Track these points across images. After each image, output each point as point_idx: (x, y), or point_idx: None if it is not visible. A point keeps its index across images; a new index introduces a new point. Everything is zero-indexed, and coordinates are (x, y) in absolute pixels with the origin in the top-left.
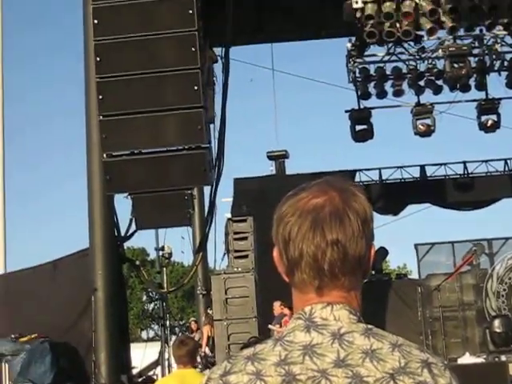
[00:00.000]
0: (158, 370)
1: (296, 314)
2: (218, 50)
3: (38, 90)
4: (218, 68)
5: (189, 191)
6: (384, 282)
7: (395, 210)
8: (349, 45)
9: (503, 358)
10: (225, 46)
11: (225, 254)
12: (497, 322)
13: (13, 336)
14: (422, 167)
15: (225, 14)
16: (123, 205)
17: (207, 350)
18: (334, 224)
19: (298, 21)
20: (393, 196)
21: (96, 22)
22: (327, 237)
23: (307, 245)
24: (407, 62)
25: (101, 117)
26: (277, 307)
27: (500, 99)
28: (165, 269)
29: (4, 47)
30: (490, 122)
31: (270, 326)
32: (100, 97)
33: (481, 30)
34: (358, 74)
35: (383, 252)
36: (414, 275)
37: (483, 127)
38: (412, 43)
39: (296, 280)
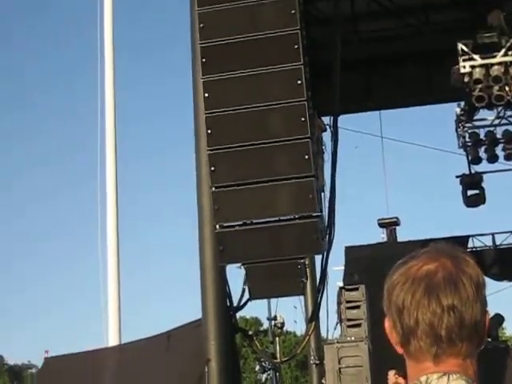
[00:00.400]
0: None
1: None
2: (326, 119)
3: (151, 157)
4: (326, 136)
5: (301, 260)
6: (501, 350)
7: (510, 276)
8: (458, 110)
9: None
10: (333, 115)
11: (337, 323)
12: None
13: None
14: None
15: (332, 84)
16: (234, 274)
17: None
18: (448, 289)
19: (406, 87)
20: (507, 261)
21: (207, 95)
22: (443, 302)
23: (422, 312)
24: None
25: (213, 188)
26: (391, 377)
27: None
28: (277, 338)
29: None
30: None
31: None
32: (212, 168)
33: None
34: (467, 139)
35: (499, 318)
36: None
37: None
38: None
39: (411, 349)
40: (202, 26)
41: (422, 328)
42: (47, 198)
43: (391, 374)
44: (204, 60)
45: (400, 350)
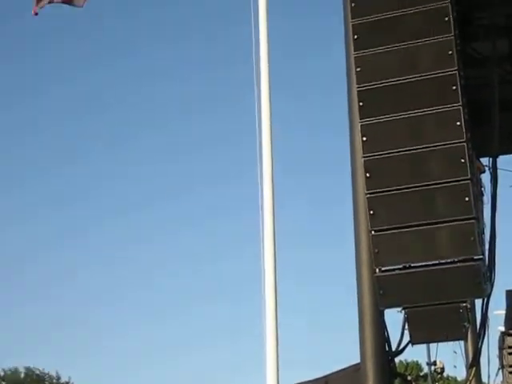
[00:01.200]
0: None
1: None
2: (484, 160)
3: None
4: (485, 178)
5: (463, 304)
6: None
7: None
8: None
9: None
10: (492, 156)
11: (499, 368)
12: None
13: None
14: None
15: (491, 124)
16: (390, 318)
17: None
18: None
19: None
20: None
21: (365, 139)
22: None
23: None
24: None
25: (372, 231)
26: None
27: None
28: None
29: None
30: None
31: None
32: (371, 211)
33: None
34: None
35: None
36: None
37: None
38: None
39: None
40: (358, 69)
41: None
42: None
43: None
44: (361, 104)
45: None
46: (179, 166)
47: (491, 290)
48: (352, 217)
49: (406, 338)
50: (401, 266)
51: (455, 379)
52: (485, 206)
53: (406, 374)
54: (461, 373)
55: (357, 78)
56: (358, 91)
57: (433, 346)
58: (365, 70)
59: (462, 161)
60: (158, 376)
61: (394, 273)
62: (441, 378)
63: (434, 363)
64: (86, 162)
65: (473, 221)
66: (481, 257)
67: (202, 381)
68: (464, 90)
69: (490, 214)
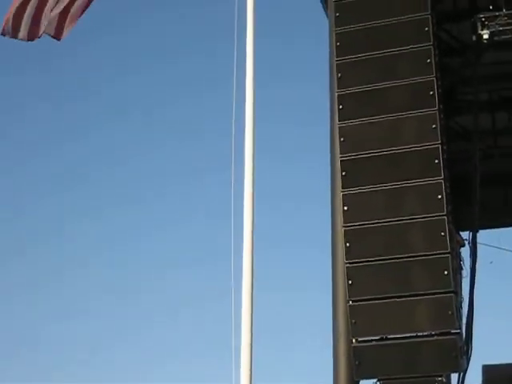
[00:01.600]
0: None
1: None
2: (464, 234)
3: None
4: (464, 252)
5: (439, 378)
6: None
7: None
8: None
9: None
10: (472, 230)
11: None
12: None
13: None
14: None
15: (471, 198)
16: None
17: None
18: None
19: None
20: None
21: (346, 208)
22: None
23: None
24: None
25: (350, 301)
26: None
27: None
28: None
29: None
30: None
31: None
32: (349, 282)
33: None
34: None
35: None
36: None
37: None
38: None
39: None
40: (342, 139)
41: None
42: None
43: None
44: (344, 173)
45: None
46: None
47: (467, 364)
48: (331, 286)
49: None
50: (378, 338)
51: None
52: (463, 279)
53: None
54: None
55: (340, 147)
56: (341, 161)
57: None
58: (348, 140)
59: (442, 234)
60: None
61: (370, 344)
62: None
63: None
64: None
65: (451, 294)
66: (458, 331)
67: None
68: (446, 164)
69: (468, 288)
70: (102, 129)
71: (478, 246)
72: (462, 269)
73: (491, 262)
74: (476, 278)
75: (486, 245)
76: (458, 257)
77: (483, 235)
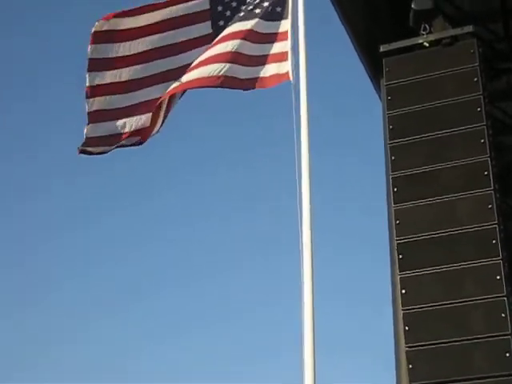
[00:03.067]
0: None
1: None
2: None
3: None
4: None
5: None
6: None
7: None
8: None
9: None
10: None
11: None
12: None
13: None
14: None
15: None
16: None
17: None
18: None
19: None
20: None
21: (404, 291)
22: None
23: None
24: None
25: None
26: None
27: None
28: None
29: None
30: None
31: None
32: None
33: None
34: None
35: None
36: None
37: None
38: None
39: None
40: (398, 222)
41: None
42: None
43: None
44: (400, 256)
45: None
46: None
47: None
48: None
49: None
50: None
51: None
52: None
53: None
54: None
55: (396, 230)
56: (398, 244)
57: None
58: (404, 222)
59: (503, 315)
60: None
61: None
62: None
63: None
64: None
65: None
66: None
67: None
68: (504, 244)
69: None
70: None
71: None
72: None
73: None
74: None
75: None
76: None
77: None
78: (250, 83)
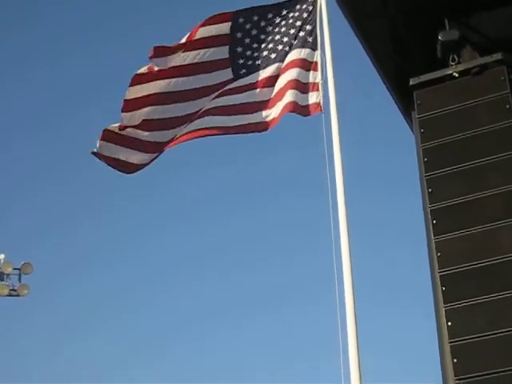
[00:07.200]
0: None
1: None
2: None
3: None
4: None
5: None
6: None
7: None
8: None
9: None
10: None
11: None
12: None
13: None
14: None
15: None
16: None
17: None
18: None
19: None
20: None
21: (450, 324)
22: None
23: None
24: None
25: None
26: None
27: None
28: None
29: None
30: None
31: None
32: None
33: None
34: None
35: None
36: None
37: None
38: None
39: None
40: (439, 254)
41: None
42: None
43: None
44: (444, 288)
45: None
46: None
47: None
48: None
49: None
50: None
51: None
52: None
53: None
54: None
55: (438, 262)
56: (440, 276)
57: None
58: (445, 254)
59: None
60: None
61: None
62: None
63: None
64: None
65: None
66: None
67: None
68: None
69: None
70: None
71: None
72: None
73: None
74: None
75: None
76: None
77: None
78: (305, 110)
